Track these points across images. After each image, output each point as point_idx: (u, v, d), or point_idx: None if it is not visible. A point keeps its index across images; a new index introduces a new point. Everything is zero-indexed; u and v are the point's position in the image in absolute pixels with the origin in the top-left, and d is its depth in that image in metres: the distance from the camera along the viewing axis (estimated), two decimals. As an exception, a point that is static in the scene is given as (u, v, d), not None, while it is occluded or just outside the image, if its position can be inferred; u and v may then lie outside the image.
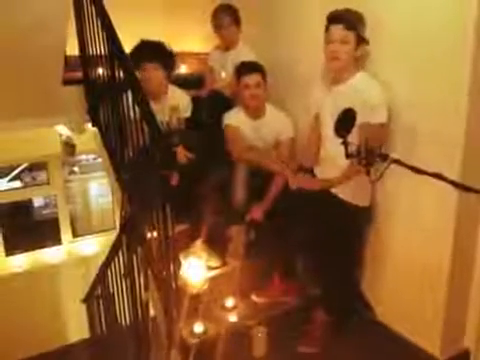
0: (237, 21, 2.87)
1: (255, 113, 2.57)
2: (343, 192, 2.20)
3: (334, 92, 2.17)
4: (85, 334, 3.94)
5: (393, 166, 1.44)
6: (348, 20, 2.03)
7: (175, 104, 2.52)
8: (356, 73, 2.12)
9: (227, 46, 2.96)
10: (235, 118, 2.59)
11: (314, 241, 2.23)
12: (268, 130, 2.59)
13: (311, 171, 2.38)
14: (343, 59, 2.07)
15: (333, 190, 2.23)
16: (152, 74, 2.45)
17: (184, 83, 2.84)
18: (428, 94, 1.98)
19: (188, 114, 2.65)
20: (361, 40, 2.07)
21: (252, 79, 2.49)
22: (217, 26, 2.88)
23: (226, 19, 2.83)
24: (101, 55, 2.40)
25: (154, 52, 2.46)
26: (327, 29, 2.10)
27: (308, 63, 2.57)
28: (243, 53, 2.85)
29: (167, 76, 2.54)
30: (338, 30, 2.05)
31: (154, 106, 2.40)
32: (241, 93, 2.53)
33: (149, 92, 2.45)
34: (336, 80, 2.16)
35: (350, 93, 2.07)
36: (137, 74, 2.42)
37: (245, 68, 2.54)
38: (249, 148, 2.58)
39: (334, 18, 2.07)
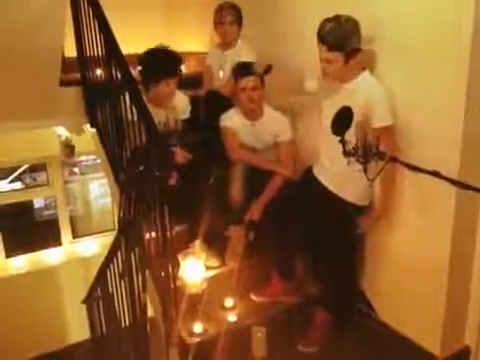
0: (239, 20, 2.86)
1: (252, 115, 2.54)
2: (343, 191, 2.19)
3: (337, 92, 2.15)
4: (86, 335, 3.94)
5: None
6: (331, 42, 1.96)
7: (173, 105, 2.51)
8: (359, 74, 2.09)
9: (226, 44, 2.95)
10: (232, 120, 2.56)
11: (314, 240, 2.23)
12: (266, 131, 2.56)
13: (310, 170, 2.37)
14: (333, 75, 2.05)
15: (333, 189, 2.23)
16: (173, 88, 2.42)
17: (182, 83, 2.82)
18: (426, 93, 1.98)
19: (187, 116, 2.64)
20: (353, 53, 2.01)
21: (249, 82, 2.44)
22: (219, 22, 2.86)
23: (229, 16, 2.82)
24: (99, 56, 2.40)
25: (176, 66, 2.41)
26: (318, 43, 2.04)
27: (306, 61, 2.56)
28: (242, 52, 2.84)
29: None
30: (322, 51, 2.01)
31: (158, 111, 2.39)
32: (238, 95, 2.50)
33: (163, 102, 2.43)
34: (337, 83, 2.14)
35: (351, 93, 2.05)
36: (150, 86, 2.39)
37: (242, 70, 2.50)
38: (246, 149, 2.57)
39: (319, 37, 2.00)
